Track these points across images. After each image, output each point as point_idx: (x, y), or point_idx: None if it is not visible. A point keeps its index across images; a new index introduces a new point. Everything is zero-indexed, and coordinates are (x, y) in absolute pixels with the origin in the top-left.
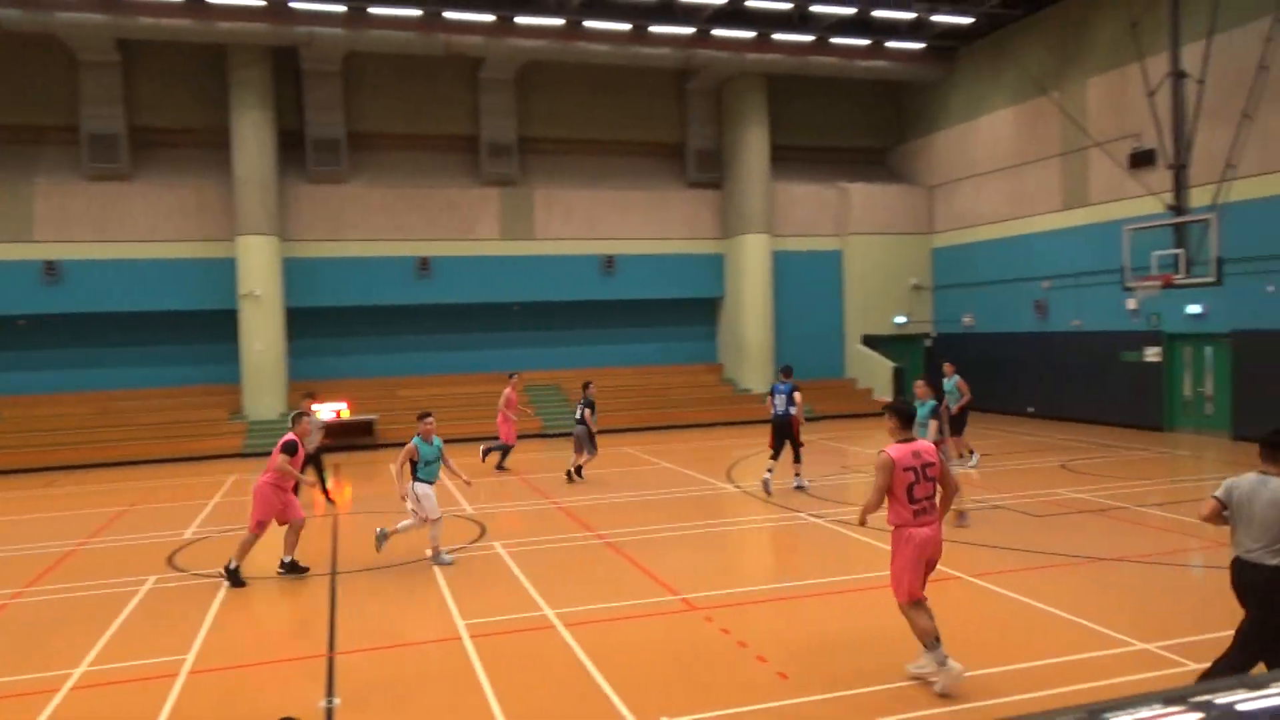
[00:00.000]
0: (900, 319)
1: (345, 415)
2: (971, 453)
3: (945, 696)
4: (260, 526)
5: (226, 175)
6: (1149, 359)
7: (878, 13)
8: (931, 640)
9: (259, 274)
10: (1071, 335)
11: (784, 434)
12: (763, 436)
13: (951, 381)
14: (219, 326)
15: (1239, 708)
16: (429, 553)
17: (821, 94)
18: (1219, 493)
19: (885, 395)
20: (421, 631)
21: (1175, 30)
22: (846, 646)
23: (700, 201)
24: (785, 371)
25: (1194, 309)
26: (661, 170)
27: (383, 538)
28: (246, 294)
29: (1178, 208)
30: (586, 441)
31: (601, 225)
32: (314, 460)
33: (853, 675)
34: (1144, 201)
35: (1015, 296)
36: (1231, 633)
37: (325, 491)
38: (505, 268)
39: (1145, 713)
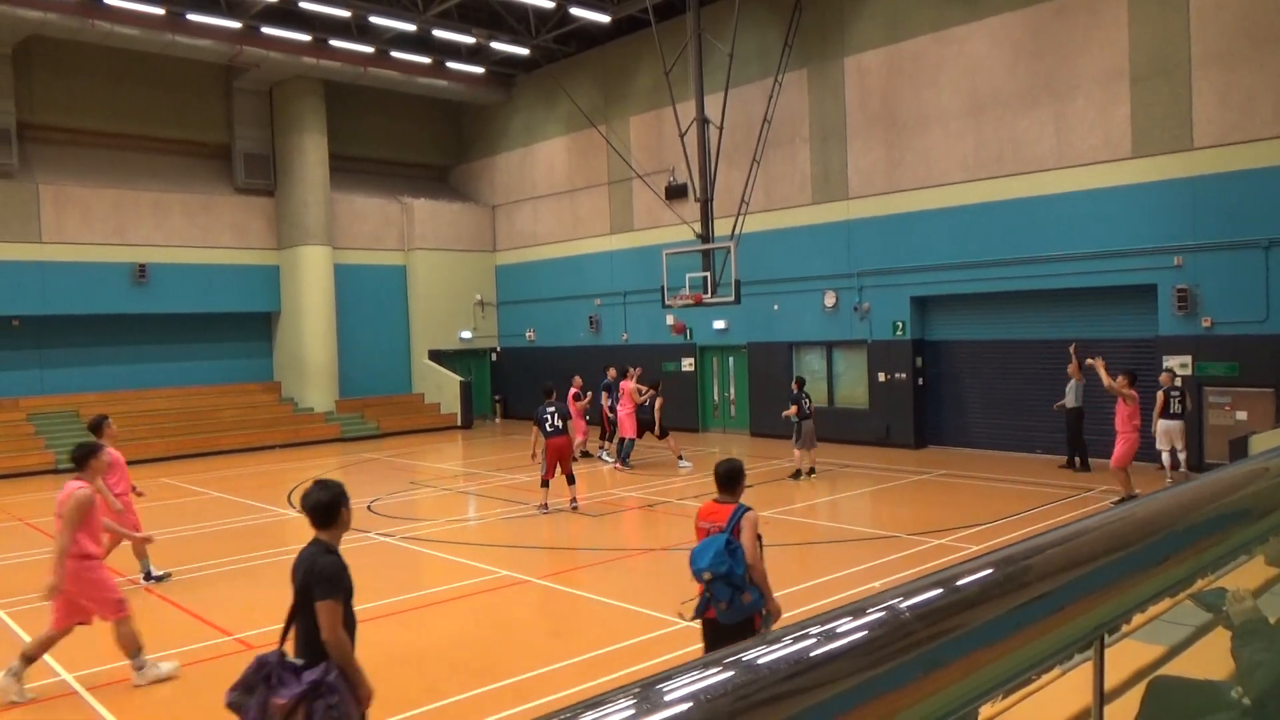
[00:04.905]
0: (466, 334)
1: None
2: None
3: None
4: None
5: None
6: (685, 369)
7: (438, 33)
8: None
9: None
10: (620, 348)
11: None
12: (326, 457)
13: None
14: None
15: (761, 661)
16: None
17: (384, 107)
18: None
19: (454, 409)
20: None
21: (700, 81)
22: (417, 664)
23: (251, 209)
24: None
25: (719, 324)
26: (205, 172)
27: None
28: None
29: (705, 236)
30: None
31: (131, 230)
32: None
33: (425, 692)
34: (679, 229)
35: (572, 312)
36: None
37: None
38: None
39: (688, 678)
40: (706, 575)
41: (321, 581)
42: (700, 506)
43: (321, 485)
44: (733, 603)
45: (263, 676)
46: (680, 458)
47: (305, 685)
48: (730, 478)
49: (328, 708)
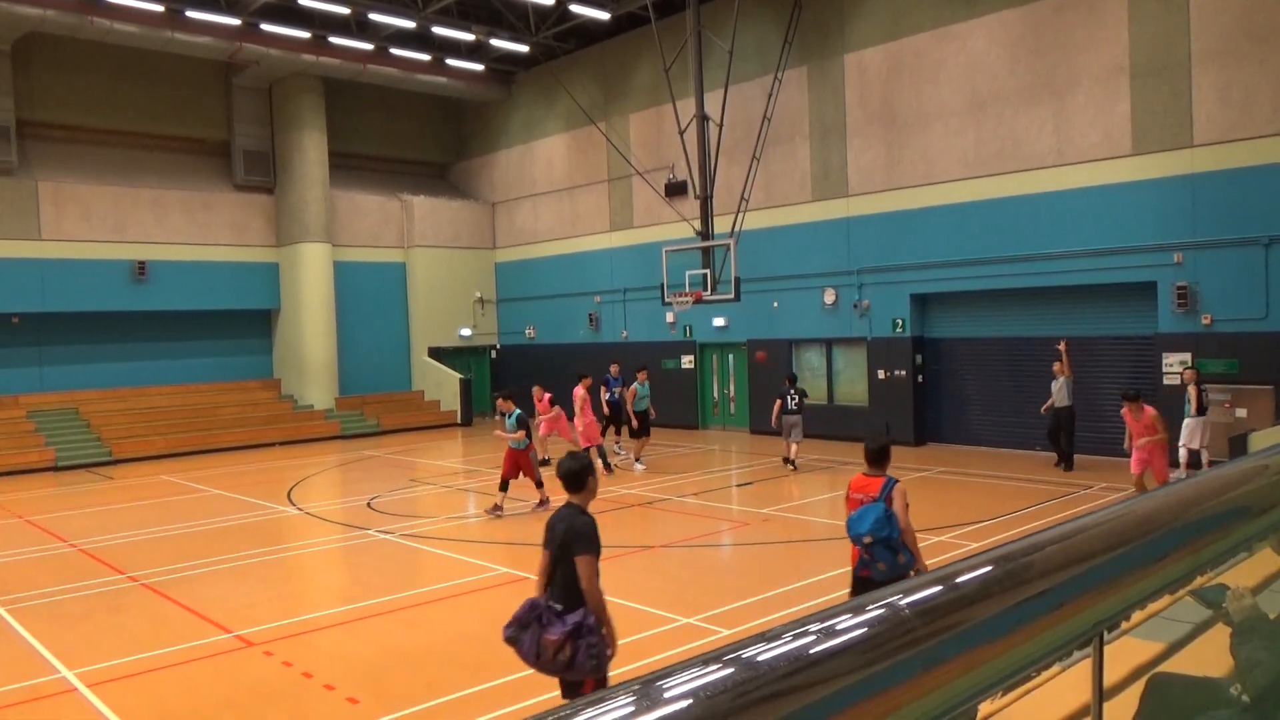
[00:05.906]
0: (465, 331)
1: None
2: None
3: None
4: None
5: None
6: (685, 366)
7: (438, 30)
8: None
9: None
10: (620, 345)
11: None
12: (325, 454)
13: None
14: None
15: (761, 658)
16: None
17: (384, 105)
18: None
19: (453, 407)
20: None
21: (700, 78)
22: (417, 661)
23: (251, 206)
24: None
25: (719, 322)
26: (205, 169)
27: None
28: None
29: (705, 233)
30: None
31: (131, 227)
32: None
33: (424, 689)
34: (678, 226)
35: (572, 310)
36: (755, 599)
37: None
38: None
39: (687, 674)
40: (868, 539)
41: (580, 539)
42: (851, 480)
43: (573, 456)
44: (891, 564)
45: (535, 616)
46: (637, 460)
47: (570, 625)
48: (880, 454)
49: (589, 645)
